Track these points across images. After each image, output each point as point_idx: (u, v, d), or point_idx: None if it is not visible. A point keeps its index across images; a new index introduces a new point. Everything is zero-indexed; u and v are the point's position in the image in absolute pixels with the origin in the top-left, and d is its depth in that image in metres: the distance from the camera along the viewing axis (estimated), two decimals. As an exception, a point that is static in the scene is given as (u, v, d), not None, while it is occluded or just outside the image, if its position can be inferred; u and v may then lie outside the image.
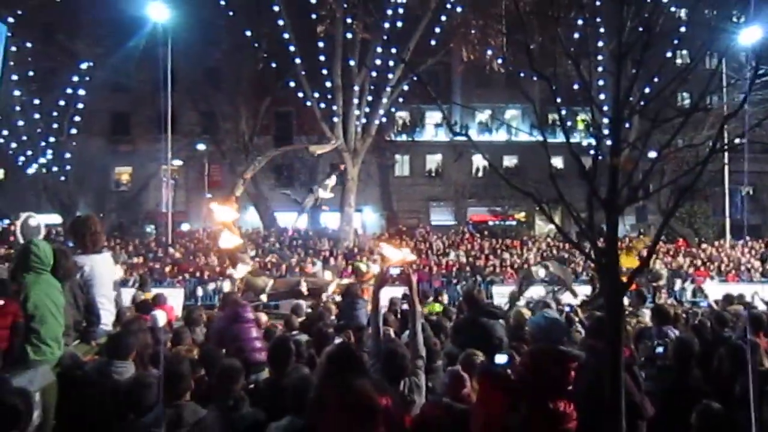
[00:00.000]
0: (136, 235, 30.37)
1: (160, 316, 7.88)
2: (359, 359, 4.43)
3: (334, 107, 26.94)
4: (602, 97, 20.40)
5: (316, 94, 27.09)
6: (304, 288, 12.42)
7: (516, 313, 7.77)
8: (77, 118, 29.74)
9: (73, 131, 30.01)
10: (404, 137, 38.66)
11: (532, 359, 4.19)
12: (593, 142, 3.86)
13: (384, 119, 29.77)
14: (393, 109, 32.16)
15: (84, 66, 28.11)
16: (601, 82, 24.40)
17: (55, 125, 29.34)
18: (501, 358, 4.45)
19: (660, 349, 5.90)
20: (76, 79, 28.33)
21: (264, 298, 12.05)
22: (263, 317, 8.55)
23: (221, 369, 4.82)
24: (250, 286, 12.17)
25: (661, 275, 17.11)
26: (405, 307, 8.88)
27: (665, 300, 16.09)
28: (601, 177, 3.80)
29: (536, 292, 13.00)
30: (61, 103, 28.86)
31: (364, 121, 27.68)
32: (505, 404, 4.02)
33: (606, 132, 3.88)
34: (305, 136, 32.76)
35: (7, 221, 33.45)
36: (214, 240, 28.05)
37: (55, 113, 29.07)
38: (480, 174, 39.01)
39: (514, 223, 35.19)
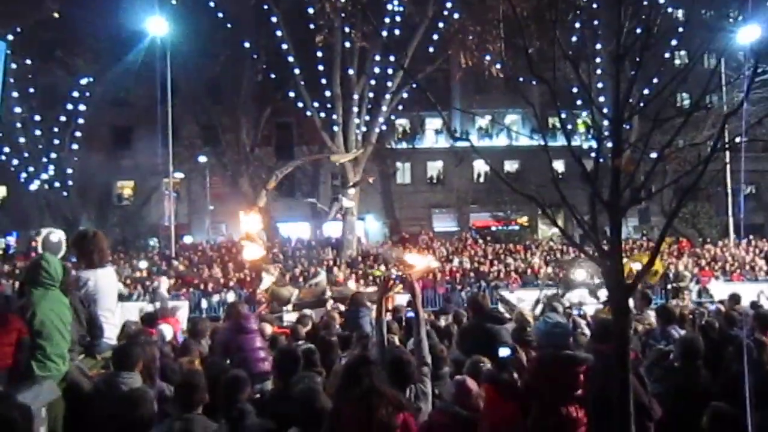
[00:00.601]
0: (139, 249, 30.37)
1: (167, 330, 7.89)
2: (378, 371, 4.27)
3: (334, 116, 27.00)
4: (602, 99, 20.38)
5: (316, 104, 27.17)
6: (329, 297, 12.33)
7: (517, 315, 7.66)
8: (78, 134, 29.78)
9: (75, 146, 30.01)
10: (405, 145, 38.76)
11: (540, 366, 4.16)
12: (594, 144, 3.85)
13: (384, 127, 29.78)
14: (393, 117, 32.16)
15: (84, 81, 28.17)
16: (600, 85, 24.43)
17: (57, 141, 29.38)
18: (504, 351, 4.45)
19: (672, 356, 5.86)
20: (76, 94, 28.41)
21: (290, 308, 11.94)
22: (268, 328, 8.50)
23: (227, 379, 4.80)
24: (275, 296, 12.06)
25: (685, 276, 16.64)
26: (410, 314, 8.82)
27: (689, 301, 15.52)
28: (603, 179, 3.80)
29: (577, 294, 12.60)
30: (62, 118, 28.91)
31: (364, 129, 27.73)
32: (512, 412, 4.00)
33: (607, 134, 3.87)
34: (306, 146, 32.89)
35: (10, 237, 33.55)
36: (218, 252, 28.19)
37: (56, 129, 29.13)
38: (481, 180, 38.99)
39: (516, 227, 35.05)
